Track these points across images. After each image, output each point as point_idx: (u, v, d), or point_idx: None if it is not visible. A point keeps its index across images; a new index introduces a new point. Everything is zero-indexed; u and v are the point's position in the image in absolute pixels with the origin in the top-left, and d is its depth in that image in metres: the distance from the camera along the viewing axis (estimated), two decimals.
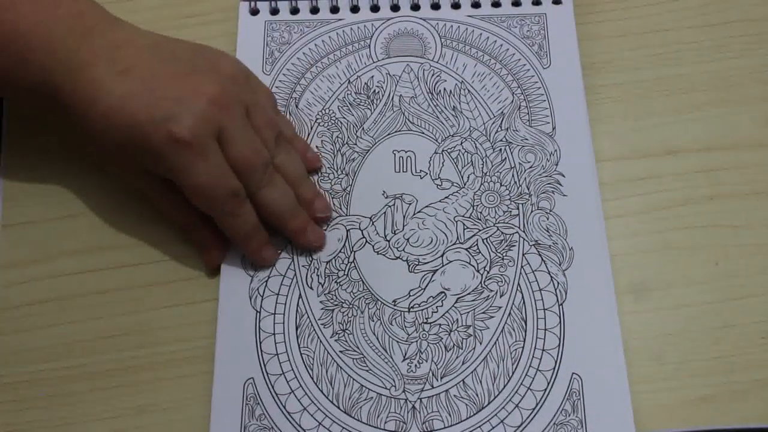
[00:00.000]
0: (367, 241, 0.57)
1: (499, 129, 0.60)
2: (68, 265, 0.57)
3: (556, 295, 0.55)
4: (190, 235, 0.57)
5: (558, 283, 0.55)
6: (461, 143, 0.60)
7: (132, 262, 0.57)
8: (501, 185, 0.58)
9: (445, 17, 0.64)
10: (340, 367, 0.53)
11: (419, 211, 0.58)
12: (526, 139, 0.60)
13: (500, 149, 0.59)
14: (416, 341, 0.54)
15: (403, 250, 0.56)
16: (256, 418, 0.52)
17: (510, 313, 0.54)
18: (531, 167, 0.59)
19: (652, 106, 0.62)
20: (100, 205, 0.59)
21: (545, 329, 0.54)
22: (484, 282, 0.55)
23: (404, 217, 0.57)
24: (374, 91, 0.62)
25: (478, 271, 0.56)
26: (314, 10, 0.65)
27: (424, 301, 0.55)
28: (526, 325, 0.54)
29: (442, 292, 0.55)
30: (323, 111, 0.61)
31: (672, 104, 0.62)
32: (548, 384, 0.52)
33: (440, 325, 0.54)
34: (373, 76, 0.62)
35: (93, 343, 0.55)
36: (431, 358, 0.53)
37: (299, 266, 0.56)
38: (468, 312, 0.55)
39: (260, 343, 0.54)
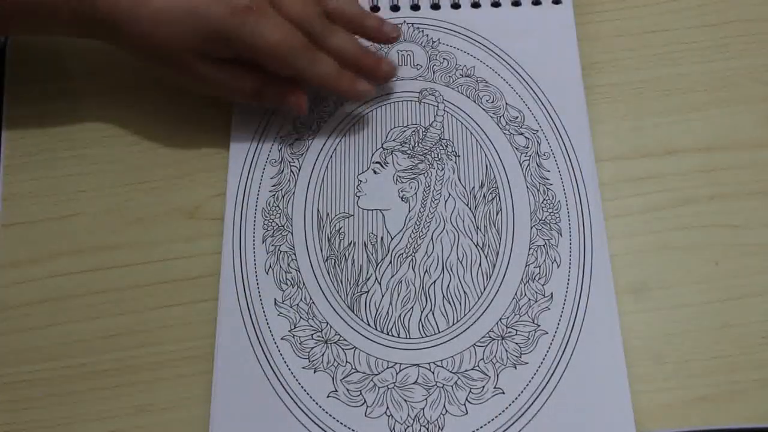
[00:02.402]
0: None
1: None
2: (68, 265, 0.57)
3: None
4: (264, 95, 0.58)
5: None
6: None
7: (132, 262, 0.57)
8: None
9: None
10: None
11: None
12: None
13: None
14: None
15: None
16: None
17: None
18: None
19: (652, 106, 0.62)
20: (100, 205, 0.59)
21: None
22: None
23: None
24: None
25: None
26: None
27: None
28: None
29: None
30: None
31: (672, 104, 0.62)
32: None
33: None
34: None
35: (92, 343, 0.55)
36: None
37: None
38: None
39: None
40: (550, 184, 0.58)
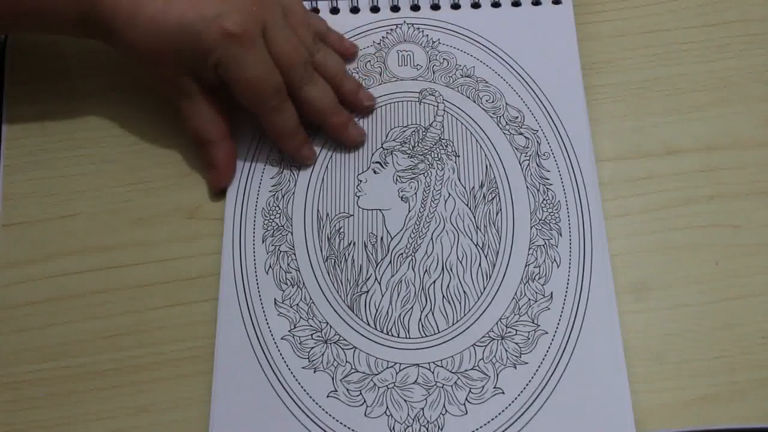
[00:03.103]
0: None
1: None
2: (68, 265, 0.57)
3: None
4: (208, 151, 0.58)
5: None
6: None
7: (132, 262, 0.57)
8: None
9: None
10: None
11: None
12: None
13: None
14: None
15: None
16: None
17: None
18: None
19: (652, 106, 0.62)
20: (100, 205, 0.59)
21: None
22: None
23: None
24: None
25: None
26: (314, 12, 0.65)
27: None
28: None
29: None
30: None
31: (672, 104, 0.62)
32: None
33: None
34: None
35: (93, 343, 0.55)
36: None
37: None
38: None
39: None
40: (550, 184, 0.58)
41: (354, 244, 0.57)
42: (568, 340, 0.54)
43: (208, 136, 0.58)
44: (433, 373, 0.53)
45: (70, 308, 0.56)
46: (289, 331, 0.54)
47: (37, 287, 0.56)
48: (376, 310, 0.55)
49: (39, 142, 0.61)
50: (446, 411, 0.52)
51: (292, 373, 0.53)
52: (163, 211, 0.59)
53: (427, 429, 0.52)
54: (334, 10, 0.65)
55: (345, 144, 0.60)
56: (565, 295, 0.55)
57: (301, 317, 0.55)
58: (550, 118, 0.61)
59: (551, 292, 0.55)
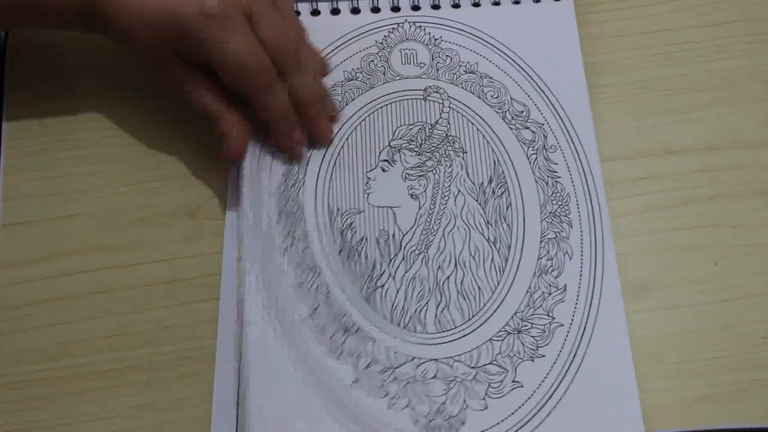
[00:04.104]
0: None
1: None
2: (68, 265, 0.57)
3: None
4: (217, 123, 0.57)
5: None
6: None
7: (132, 262, 0.57)
8: None
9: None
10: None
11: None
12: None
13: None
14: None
15: None
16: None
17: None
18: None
19: (652, 106, 0.62)
20: (100, 205, 0.58)
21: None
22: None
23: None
24: None
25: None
26: (315, 13, 0.65)
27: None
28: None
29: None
30: None
31: (672, 104, 0.62)
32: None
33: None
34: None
35: (93, 343, 0.55)
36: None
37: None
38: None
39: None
40: (559, 177, 0.59)
41: (366, 239, 0.57)
42: (584, 332, 0.54)
43: (212, 108, 0.57)
44: (451, 368, 0.53)
45: (70, 308, 0.55)
46: None
47: (37, 287, 0.56)
48: (392, 305, 0.55)
49: (39, 142, 0.60)
50: (467, 406, 0.52)
51: None
52: (163, 211, 0.58)
53: (449, 423, 0.52)
54: (335, 11, 0.65)
55: (314, 138, 0.59)
56: (579, 287, 0.55)
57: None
58: (555, 111, 0.61)
59: (565, 285, 0.55)
